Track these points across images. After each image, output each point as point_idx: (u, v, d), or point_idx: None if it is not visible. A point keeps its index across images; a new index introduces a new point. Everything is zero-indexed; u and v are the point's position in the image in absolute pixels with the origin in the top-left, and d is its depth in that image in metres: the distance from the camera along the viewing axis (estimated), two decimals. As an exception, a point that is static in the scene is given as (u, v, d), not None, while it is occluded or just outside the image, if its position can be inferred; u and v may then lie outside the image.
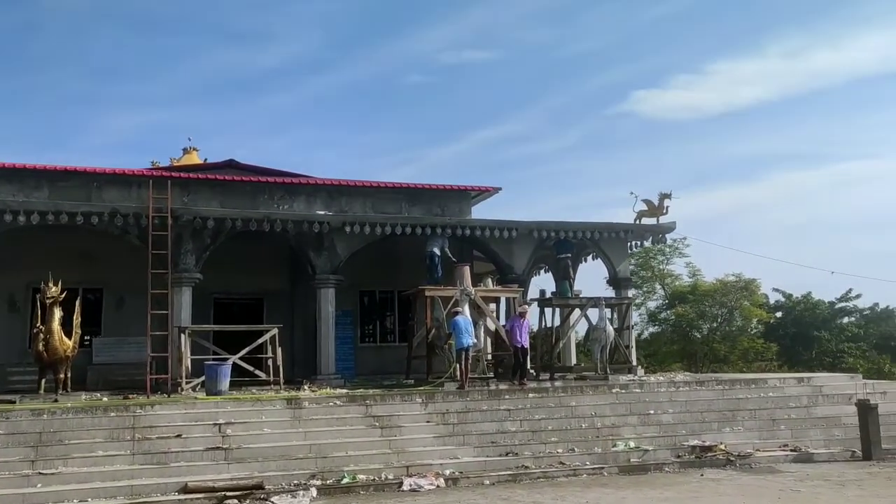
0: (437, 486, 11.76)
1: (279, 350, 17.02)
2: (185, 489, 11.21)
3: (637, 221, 21.16)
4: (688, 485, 11.60)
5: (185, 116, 77.89)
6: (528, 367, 17.66)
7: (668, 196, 20.94)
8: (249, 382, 17.01)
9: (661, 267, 41.66)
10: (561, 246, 20.58)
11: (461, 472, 12.47)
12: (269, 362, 17.10)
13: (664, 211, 20.93)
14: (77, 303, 15.68)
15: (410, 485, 11.68)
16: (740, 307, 38.70)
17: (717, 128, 76.70)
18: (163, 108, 78.25)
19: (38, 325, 14.63)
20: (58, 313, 14.82)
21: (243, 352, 17.12)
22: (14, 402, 14.11)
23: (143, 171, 20.82)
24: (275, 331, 17.20)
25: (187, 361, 16.54)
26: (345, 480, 11.84)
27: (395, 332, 22.95)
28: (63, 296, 14.94)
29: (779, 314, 42.92)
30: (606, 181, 78.73)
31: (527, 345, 17.36)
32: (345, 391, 15.78)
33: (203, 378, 16.43)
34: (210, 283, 18.41)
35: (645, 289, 41.69)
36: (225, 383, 15.50)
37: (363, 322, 22.56)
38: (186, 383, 16.12)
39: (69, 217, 16.45)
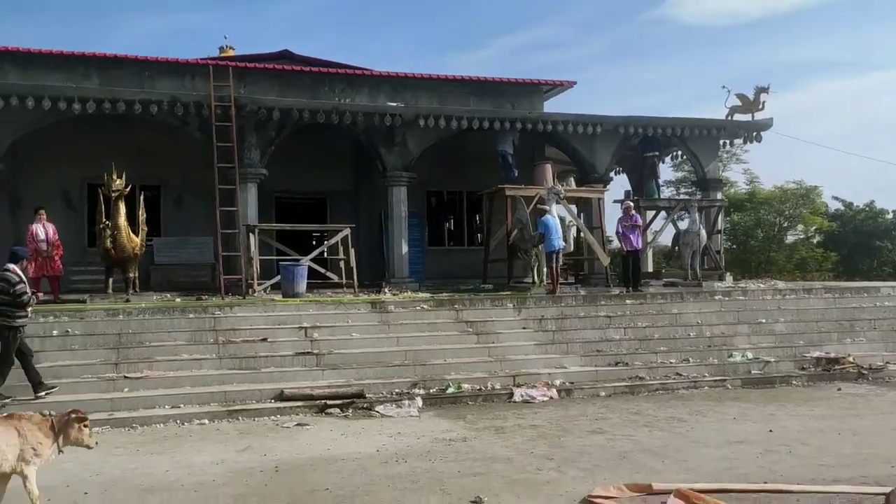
0: (550, 398, 10.80)
1: (352, 251, 15.96)
2: (281, 396, 10.35)
3: (729, 118, 19.46)
4: (831, 400, 10.53)
5: (209, 20, 75.24)
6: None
7: (765, 90, 19.16)
8: (321, 285, 16.08)
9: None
10: (647, 144, 19.06)
11: (572, 383, 11.49)
12: (342, 264, 16.07)
13: (760, 107, 19.20)
14: (141, 198, 14.58)
15: (522, 395, 10.72)
16: (799, 215, 37.16)
17: (756, 34, 72.74)
18: (184, 13, 75.55)
19: (105, 221, 13.60)
20: (123, 209, 13.76)
21: (315, 252, 16.13)
22: (85, 302, 13.31)
23: (197, 60, 19.33)
24: (347, 231, 16.10)
25: (257, 262, 15.56)
26: (450, 390, 10.91)
27: (463, 234, 21.79)
28: (128, 189, 13.85)
29: (838, 223, 41.26)
30: (639, 88, 75.49)
31: (640, 246, 16.06)
32: (429, 295, 14.74)
33: (274, 280, 15.54)
34: (271, 181, 17.22)
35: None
36: (302, 285, 14.55)
37: (431, 224, 21.39)
38: (259, 285, 15.19)
39: (126, 106, 15.19)
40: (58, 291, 13.68)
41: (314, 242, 22.85)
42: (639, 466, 6.89)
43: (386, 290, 15.70)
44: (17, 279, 9.59)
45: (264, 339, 11.88)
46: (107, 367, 10.71)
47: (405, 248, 17.56)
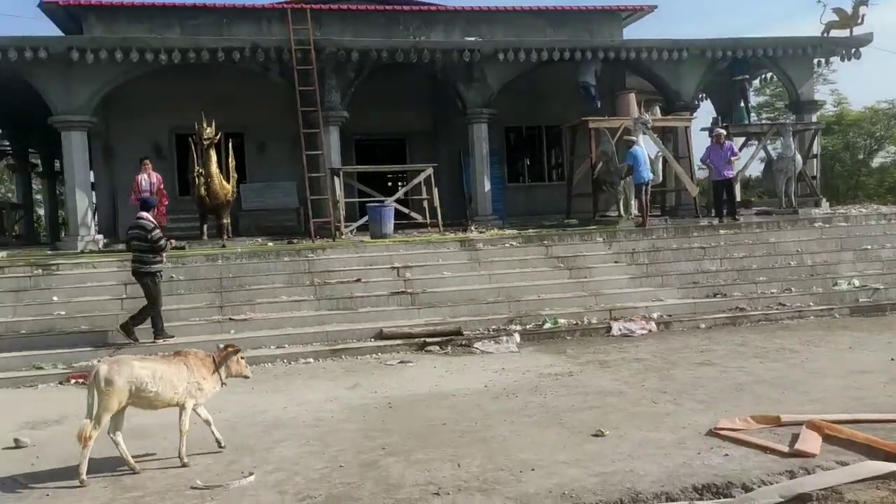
0: (649, 331, 10.67)
1: (435, 191, 15.92)
2: (380, 335, 10.52)
3: (825, 34, 18.34)
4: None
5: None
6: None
7: (864, 2, 17.94)
8: (405, 225, 16.12)
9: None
10: (735, 67, 18.18)
11: (670, 316, 11.31)
12: (425, 204, 16.07)
13: (859, 21, 18.01)
14: (230, 146, 14.81)
15: (620, 329, 10.62)
16: (891, 136, 35.22)
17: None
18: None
19: (198, 168, 13.89)
20: (214, 156, 14.03)
21: (400, 192, 16.17)
22: (184, 248, 13.70)
23: (273, 5, 19.27)
24: (430, 170, 16.04)
25: (342, 205, 15.70)
26: (547, 325, 10.89)
27: (543, 170, 21.46)
28: (218, 137, 14.08)
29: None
30: (726, 8, 71.67)
31: (732, 174, 15.50)
32: (515, 232, 14.65)
33: (360, 221, 15.67)
34: (350, 124, 17.17)
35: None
36: (390, 226, 14.63)
37: (510, 161, 21.13)
38: (345, 227, 15.36)
39: (209, 54, 15.31)
40: (163, 240, 14.09)
41: (389, 184, 22.97)
42: (758, 398, 6.74)
43: (472, 228, 15.66)
44: (153, 225, 10.02)
45: (358, 280, 12.04)
46: (212, 310, 11.06)
47: (488, 186, 17.41)
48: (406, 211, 15.96)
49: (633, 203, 15.73)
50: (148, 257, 9.94)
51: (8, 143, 22.39)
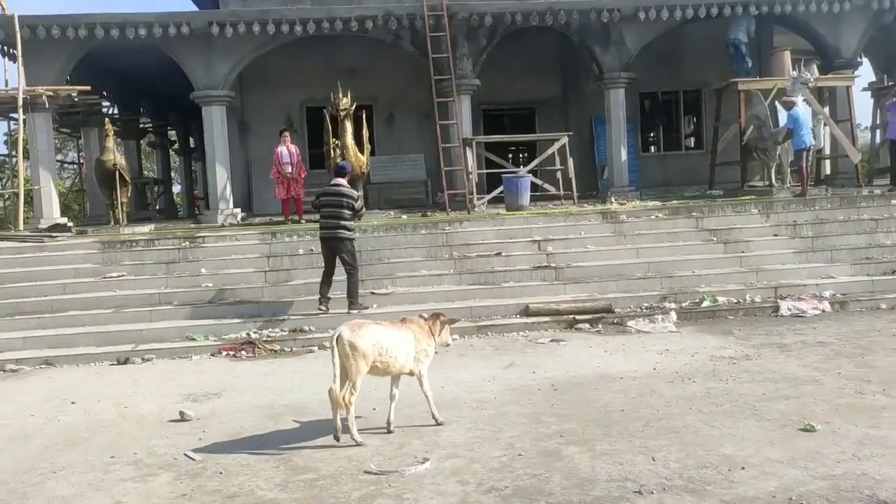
0: (823, 311, 9.71)
1: (570, 161, 15.22)
2: (526, 311, 10.07)
3: None
4: None
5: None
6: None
7: None
8: (538, 197, 15.51)
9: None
10: (906, 19, 16.40)
11: (844, 295, 10.27)
12: (558, 175, 15.41)
13: None
14: (363, 117, 14.64)
15: (790, 309, 9.71)
16: None
17: None
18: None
19: (334, 140, 13.80)
20: (350, 128, 13.89)
21: (535, 163, 15.57)
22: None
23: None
24: (565, 139, 15.34)
25: (475, 176, 15.27)
26: (705, 303, 10.11)
27: (680, 138, 20.30)
28: (353, 108, 13.92)
29: None
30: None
31: None
32: (659, 203, 13.80)
33: (493, 193, 15.20)
34: (478, 93, 16.63)
35: None
36: (526, 198, 14.09)
37: (644, 129, 20.10)
38: (478, 199, 14.94)
39: (343, 24, 15.16)
40: (301, 212, 14.16)
41: (518, 155, 22.36)
42: None
43: (612, 199, 14.90)
44: (357, 192, 10.02)
45: (498, 254, 11.62)
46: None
47: (624, 156, 16.56)
48: (539, 182, 15.36)
49: (788, 171, 14.56)
50: (351, 224, 9.95)
51: (149, 121, 23.27)
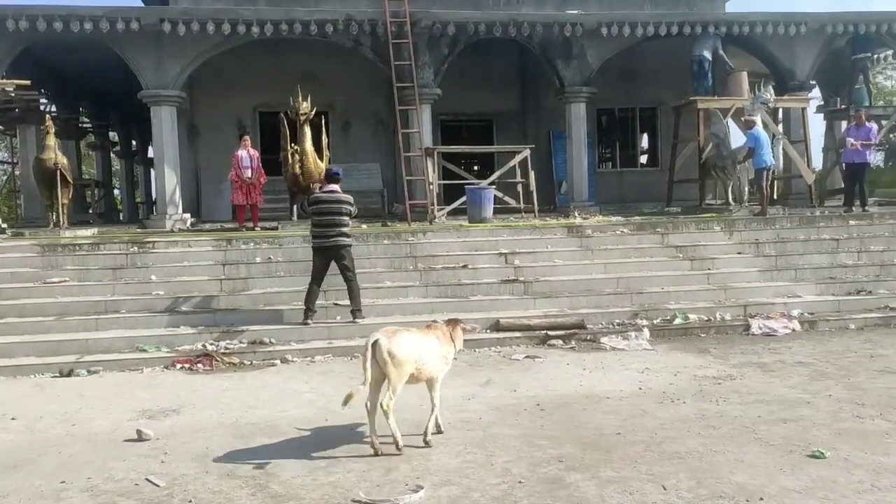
0: (793, 330, 9.67)
1: (532, 174, 15.06)
2: (497, 326, 9.75)
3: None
4: None
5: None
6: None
7: None
8: (499, 210, 15.29)
9: (885, 83, 35.93)
10: (858, 44, 16.82)
11: (812, 314, 10.28)
12: (519, 188, 15.23)
13: None
14: (323, 122, 14.19)
15: (760, 327, 9.65)
16: None
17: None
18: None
19: (293, 145, 13.29)
20: (309, 133, 13.42)
21: (496, 175, 15.36)
22: (277, 229, 13.18)
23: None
24: (527, 152, 15.22)
25: (436, 186, 14.98)
26: (677, 321, 9.97)
27: (636, 155, 20.42)
28: (313, 113, 13.46)
29: None
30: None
31: (870, 160, 14.29)
32: (623, 219, 13.73)
33: (454, 204, 14.91)
34: (436, 103, 16.36)
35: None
36: (489, 210, 13.83)
37: (600, 145, 20.14)
38: (438, 210, 14.63)
39: (302, 27, 14.71)
40: (257, 220, 13.58)
41: (475, 167, 22.13)
42: (984, 415, 5.77)
43: (576, 213, 14.77)
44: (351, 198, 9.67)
45: (465, 266, 11.31)
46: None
47: (585, 170, 16.51)
48: (499, 195, 15.13)
49: (746, 190, 14.70)
50: (348, 230, 9.61)
51: (88, 121, 22.26)
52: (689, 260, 11.73)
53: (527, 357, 8.62)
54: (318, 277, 9.56)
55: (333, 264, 9.59)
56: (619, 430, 5.71)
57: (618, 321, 10.04)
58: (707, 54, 15.95)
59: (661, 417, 5.99)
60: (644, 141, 20.89)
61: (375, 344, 5.13)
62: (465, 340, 9.13)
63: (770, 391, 6.74)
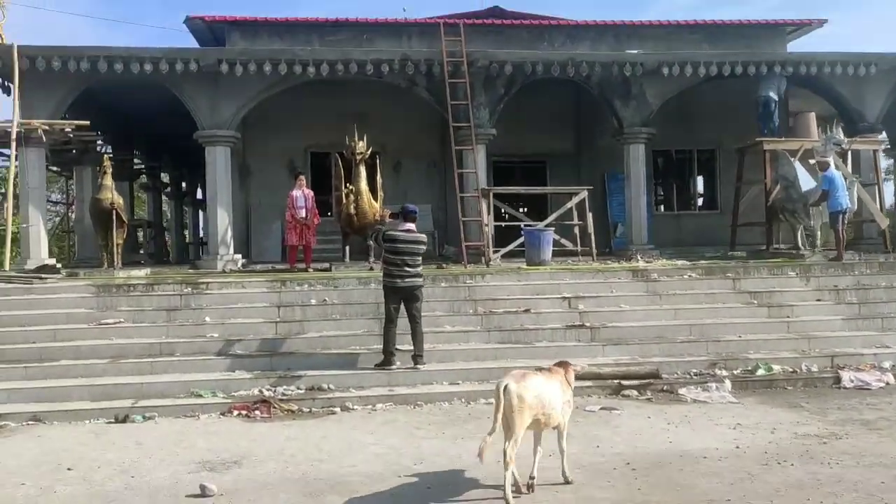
0: (887, 383, 8.96)
1: (589, 216, 14.60)
2: (566, 375, 9.19)
3: None
4: None
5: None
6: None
7: None
8: (555, 252, 14.81)
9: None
10: (928, 85, 16.17)
11: (905, 366, 9.55)
12: (576, 230, 14.76)
13: None
14: (377, 163, 13.95)
15: (852, 380, 8.97)
16: None
17: None
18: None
19: (348, 185, 13.05)
20: (364, 173, 13.18)
21: (553, 216, 14.91)
22: (330, 270, 12.88)
23: (416, 19, 18.57)
24: (584, 193, 14.76)
25: (491, 228, 14.59)
26: (760, 372, 9.34)
27: (693, 197, 19.86)
28: (369, 152, 13.24)
29: None
30: None
31: None
32: (689, 263, 13.17)
33: (510, 246, 14.49)
34: (489, 144, 16.03)
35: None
36: (548, 252, 13.38)
37: (657, 187, 19.63)
38: (494, 252, 14.20)
39: (358, 67, 14.62)
40: (310, 261, 13.31)
41: (522, 210, 21.74)
42: None
43: (637, 256, 14.24)
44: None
45: (527, 311, 10.83)
46: (372, 339, 9.97)
47: (644, 213, 16.00)
48: (556, 237, 14.68)
49: (819, 234, 14.04)
50: (422, 270, 9.44)
51: (140, 162, 22.47)
52: (766, 307, 11.09)
53: (602, 409, 8.07)
54: (394, 317, 9.18)
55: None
56: (728, 496, 5.15)
57: (694, 371, 9.44)
58: (773, 94, 15.46)
59: (773, 483, 5.41)
60: (699, 183, 20.32)
61: (506, 389, 4.96)
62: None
63: (886, 452, 6.11)
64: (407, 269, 9.16)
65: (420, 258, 9.35)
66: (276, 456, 6.49)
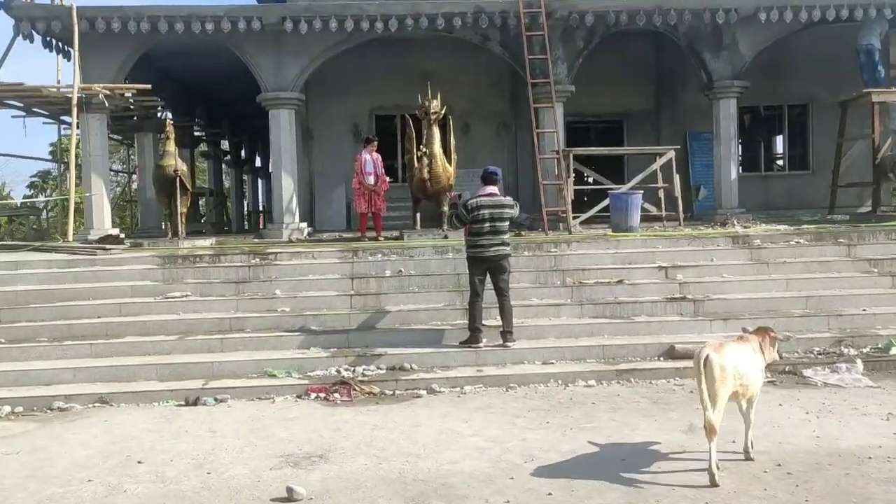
0: None
1: (676, 178, 13.50)
2: (672, 353, 8.33)
3: None
4: None
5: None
6: None
7: None
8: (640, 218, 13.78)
9: None
10: None
11: None
12: (661, 193, 13.69)
13: None
14: (450, 124, 13.06)
15: None
16: None
17: None
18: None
19: (422, 148, 12.20)
20: (438, 135, 12.32)
21: (638, 178, 13.79)
22: (402, 238, 12.15)
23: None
24: (671, 153, 13.63)
25: (571, 192, 13.60)
26: (893, 351, 8.27)
27: (784, 157, 18.48)
28: (443, 112, 12.37)
29: None
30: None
31: None
32: (792, 228, 12.03)
33: (592, 210, 13.52)
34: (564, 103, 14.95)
35: None
36: (636, 218, 12.36)
37: (743, 146, 18.28)
38: (574, 217, 13.24)
39: (429, 22, 13.66)
40: (380, 229, 12.58)
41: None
42: None
43: (734, 221, 13.12)
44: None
45: (620, 282, 9.90)
46: (455, 313, 9.25)
47: (734, 175, 14.80)
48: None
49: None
50: (509, 238, 8.67)
51: (200, 129, 22.03)
52: (890, 276, 9.95)
53: (723, 394, 7.14)
54: (479, 291, 8.43)
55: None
56: (920, 511, 4.23)
57: (817, 349, 8.45)
58: (876, 42, 14.00)
59: (971, 494, 4.46)
60: (793, 142, 18.89)
61: (707, 359, 4.81)
62: (636, 370, 7.93)
63: None
64: (493, 237, 8.36)
65: (507, 224, 8.56)
66: (365, 449, 5.80)
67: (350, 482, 5.07)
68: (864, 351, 8.33)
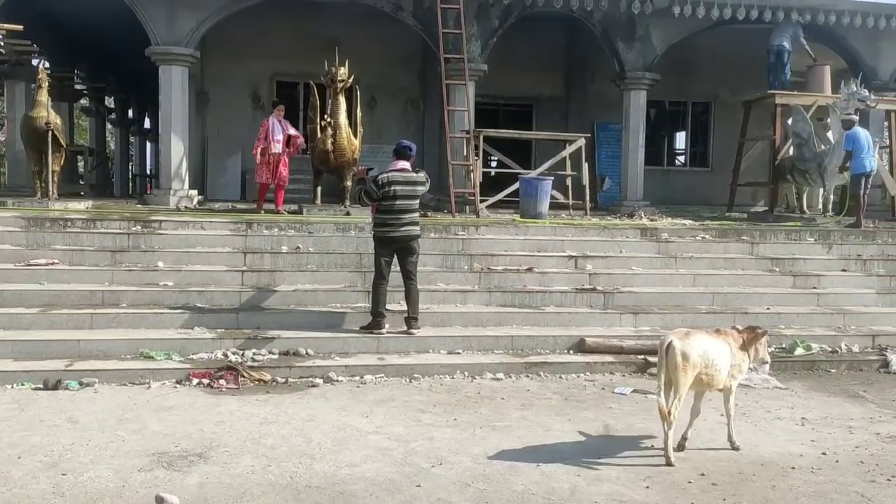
0: (939, 370, 7.99)
1: (585, 166, 13.32)
2: (583, 347, 8.02)
3: None
4: None
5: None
6: None
7: None
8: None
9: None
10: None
11: (950, 348, 8.60)
12: (568, 181, 13.49)
13: None
14: (357, 94, 12.31)
15: (901, 364, 7.97)
16: None
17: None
18: None
19: (325, 118, 11.41)
20: (344, 105, 11.58)
21: (547, 164, 13.52)
22: (301, 213, 11.37)
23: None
24: (581, 141, 13.41)
25: (479, 174, 13.17)
26: (798, 351, 8.29)
27: (686, 153, 18.74)
28: (351, 81, 11.63)
29: None
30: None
31: None
32: (696, 223, 12.04)
33: (501, 195, 13.15)
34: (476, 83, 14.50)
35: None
36: (545, 205, 12.05)
37: (647, 140, 18.38)
38: (481, 202, 12.84)
39: (339, -15, 12.85)
40: (281, 202, 11.71)
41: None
42: None
43: (642, 214, 13.04)
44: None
45: (530, 270, 9.55)
46: (356, 295, 8.63)
47: (640, 167, 14.78)
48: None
49: (831, 198, 13.08)
50: (418, 217, 8.13)
51: (82, 83, 20.21)
52: (791, 276, 10.05)
53: (635, 391, 6.90)
54: (385, 274, 7.83)
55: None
56: (856, 530, 3.98)
57: (725, 347, 8.31)
58: (787, 44, 14.21)
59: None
60: (682, 139, 19.24)
61: (669, 346, 4.90)
62: (546, 364, 7.57)
63: None
64: (403, 216, 7.79)
65: (417, 203, 8.01)
66: (252, 447, 5.12)
67: (233, 488, 4.40)
68: (770, 350, 8.26)
